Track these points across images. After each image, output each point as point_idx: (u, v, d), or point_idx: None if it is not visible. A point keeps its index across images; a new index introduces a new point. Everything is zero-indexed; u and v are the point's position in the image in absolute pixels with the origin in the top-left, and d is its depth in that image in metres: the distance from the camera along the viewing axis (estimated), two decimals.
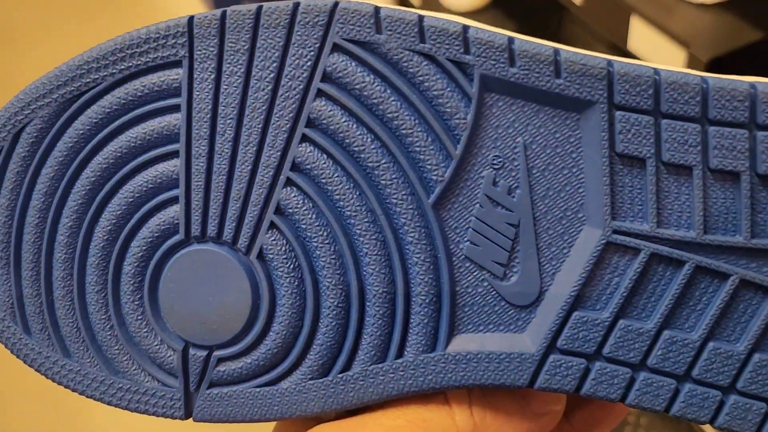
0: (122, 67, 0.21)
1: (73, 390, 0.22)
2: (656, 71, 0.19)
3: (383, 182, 0.20)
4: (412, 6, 0.81)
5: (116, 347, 0.22)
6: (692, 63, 0.49)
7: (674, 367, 0.19)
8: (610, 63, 0.19)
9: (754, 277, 0.19)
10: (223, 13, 0.20)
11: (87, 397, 0.22)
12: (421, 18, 0.19)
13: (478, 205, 0.20)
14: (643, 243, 0.19)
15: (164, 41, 0.20)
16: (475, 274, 0.20)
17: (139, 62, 0.21)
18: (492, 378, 0.20)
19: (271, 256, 0.21)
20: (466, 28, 0.19)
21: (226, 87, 0.20)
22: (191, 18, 0.20)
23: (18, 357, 0.23)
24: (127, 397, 0.22)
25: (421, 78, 0.20)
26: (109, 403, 0.22)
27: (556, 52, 0.19)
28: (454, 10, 0.72)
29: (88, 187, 0.21)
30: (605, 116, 0.19)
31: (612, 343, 0.20)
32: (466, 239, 0.20)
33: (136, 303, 0.22)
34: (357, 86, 0.20)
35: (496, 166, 0.20)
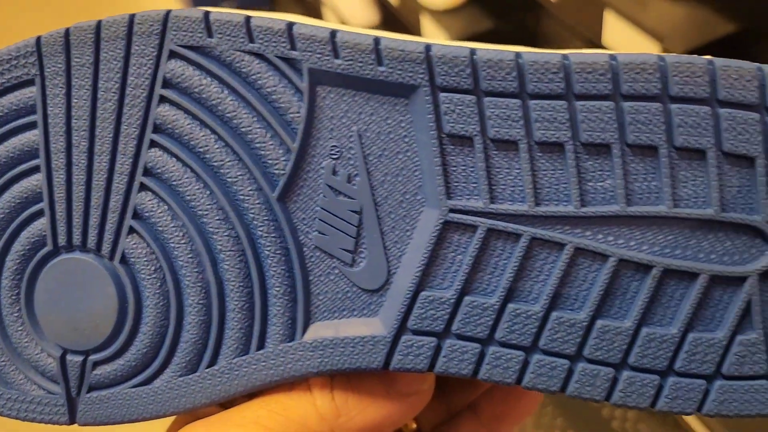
0: None
1: None
2: (472, 51, 0.19)
3: (230, 180, 0.21)
4: (387, 0, 0.82)
5: (2, 359, 0.23)
6: None
7: (521, 339, 0.20)
8: (428, 47, 0.19)
9: (588, 244, 0.19)
10: (67, 31, 0.21)
11: None
12: (248, 19, 0.20)
13: (321, 195, 0.20)
14: (479, 219, 0.20)
15: (16, 62, 0.21)
16: (326, 262, 0.21)
17: None
18: (348, 362, 0.20)
19: (133, 259, 0.21)
20: (290, 25, 0.20)
21: (76, 101, 0.21)
22: (39, 38, 0.21)
23: None
24: (16, 407, 0.23)
25: (254, 77, 0.20)
26: (0, 414, 0.23)
27: (377, 40, 0.19)
28: (432, 8, 0.72)
29: None
30: (429, 99, 0.19)
31: (459, 319, 0.20)
32: (314, 229, 0.21)
33: (16, 315, 0.22)
34: (196, 89, 0.21)
35: (334, 156, 0.20)
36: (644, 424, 0.59)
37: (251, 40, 0.20)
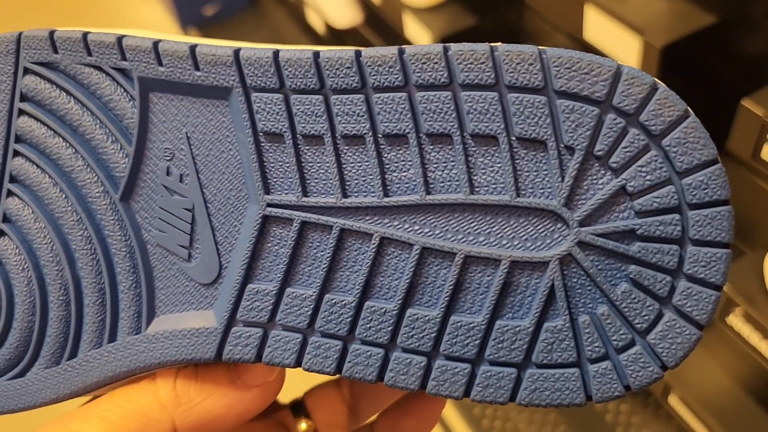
0: None
1: None
2: (275, 52, 0.20)
3: (80, 183, 0.22)
4: (371, 3, 0.82)
5: None
6: (647, 50, 0.49)
7: (338, 329, 0.20)
8: (236, 50, 0.20)
9: (393, 234, 0.20)
10: None
11: None
12: (85, 35, 0.22)
13: (159, 195, 0.22)
14: (294, 213, 0.20)
15: None
16: (167, 258, 0.22)
17: None
18: (185, 354, 0.21)
19: (5, 259, 0.23)
20: (120, 37, 0.21)
21: None
22: None
23: None
24: None
25: (94, 87, 0.22)
26: None
27: (192, 47, 0.21)
28: (415, 6, 0.73)
29: None
30: (243, 99, 0.20)
31: (282, 310, 0.21)
32: (155, 227, 0.22)
33: None
34: (47, 101, 0.22)
35: (167, 158, 0.22)
36: (637, 417, 0.56)
37: (89, 53, 0.22)
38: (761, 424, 0.51)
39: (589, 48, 0.54)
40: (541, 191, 0.19)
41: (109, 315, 0.22)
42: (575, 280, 0.19)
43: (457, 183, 0.19)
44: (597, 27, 0.53)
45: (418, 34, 0.73)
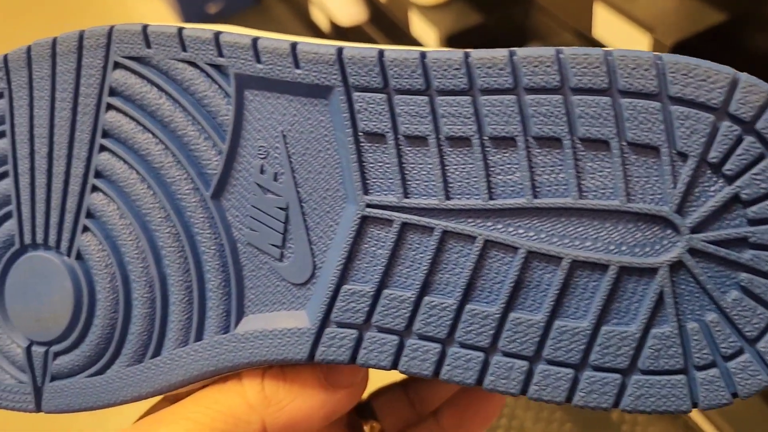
0: None
1: None
2: (380, 51, 0.20)
3: (169, 180, 0.22)
4: (377, 1, 0.82)
5: None
6: (657, 47, 0.48)
7: (437, 331, 0.20)
8: (339, 49, 0.20)
9: (497, 237, 0.20)
10: (29, 47, 0.23)
11: None
12: (180, 30, 0.21)
13: (251, 194, 0.22)
14: (394, 214, 0.20)
15: None
16: (257, 257, 0.22)
17: None
18: (276, 354, 0.21)
19: (87, 255, 0.23)
20: (217, 34, 0.21)
21: (37, 110, 0.23)
22: (6, 55, 0.23)
23: None
24: None
25: (187, 83, 0.22)
26: None
27: (293, 45, 0.20)
28: (420, 4, 0.72)
29: None
30: (344, 98, 0.20)
31: (378, 312, 0.20)
32: (246, 226, 0.22)
33: None
34: (138, 96, 0.22)
35: (262, 156, 0.21)
36: (644, 416, 0.57)
37: (184, 49, 0.21)
38: None
39: (597, 45, 0.54)
40: (652, 197, 0.19)
41: (197, 313, 0.22)
42: (684, 286, 0.19)
43: (564, 187, 0.19)
44: (606, 24, 0.52)
45: (424, 32, 0.73)
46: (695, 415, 0.50)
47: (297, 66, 0.20)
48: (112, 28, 0.22)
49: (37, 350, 0.24)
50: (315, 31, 1.10)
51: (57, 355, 0.24)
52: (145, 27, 0.22)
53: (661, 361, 0.19)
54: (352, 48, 0.20)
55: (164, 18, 1.38)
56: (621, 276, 0.19)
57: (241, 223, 0.22)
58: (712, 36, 0.48)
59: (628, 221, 0.19)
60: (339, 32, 0.99)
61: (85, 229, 0.23)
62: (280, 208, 0.21)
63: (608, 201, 0.19)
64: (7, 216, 0.24)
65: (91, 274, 0.23)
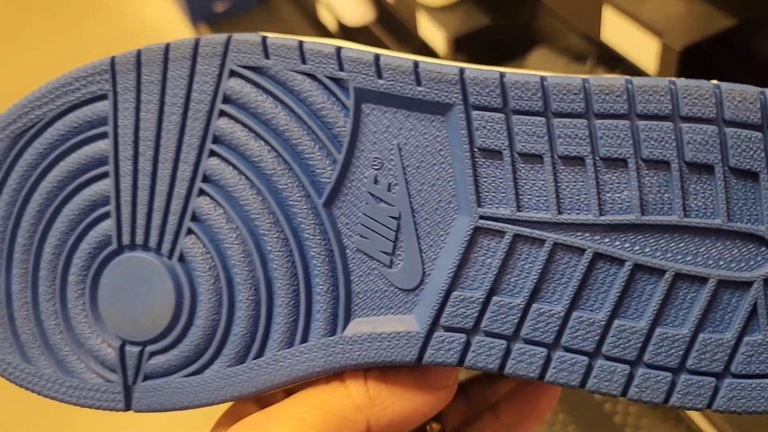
0: (59, 103, 0.24)
1: (31, 391, 0.25)
2: (502, 74, 0.21)
3: (280, 187, 0.23)
4: (385, 2, 0.83)
5: (66, 349, 0.25)
6: (665, 51, 0.49)
7: (544, 336, 0.22)
8: (462, 70, 0.21)
9: (606, 250, 0.21)
10: (139, 52, 0.23)
11: (43, 396, 0.25)
12: (301, 43, 0.22)
13: (364, 202, 0.23)
14: (507, 226, 0.22)
15: (91, 78, 0.24)
16: (366, 263, 0.23)
17: (72, 98, 0.24)
18: (384, 356, 0.22)
19: (190, 258, 0.24)
20: (338, 48, 0.22)
21: (144, 113, 0.23)
22: (113, 57, 0.24)
23: None
24: (76, 393, 0.25)
25: (305, 94, 0.23)
26: (61, 401, 0.25)
27: (416, 63, 0.22)
28: (428, 5, 0.73)
29: (36, 209, 0.25)
30: (463, 116, 0.22)
31: (487, 318, 0.22)
32: (356, 233, 0.23)
33: (80, 308, 0.25)
34: (252, 105, 0.23)
35: (376, 167, 0.23)
36: (647, 419, 0.59)
37: (303, 62, 0.22)
38: None
39: (605, 48, 0.56)
40: (749, 217, 0.21)
41: (303, 316, 0.23)
42: None
43: (670, 206, 0.21)
44: (615, 28, 0.53)
45: (432, 33, 0.73)
46: (698, 418, 0.53)
47: (419, 83, 0.22)
48: (230, 37, 0.23)
49: (131, 350, 0.24)
50: (322, 31, 1.10)
51: (152, 354, 0.24)
52: (264, 38, 0.23)
53: (752, 366, 0.21)
54: (474, 69, 0.21)
55: (172, 17, 1.38)
56: (719, 288, 0.21)
57: (351, 230, 0.23)
58: (721, 40, 0.49)
59: (726, 238, 0.21)
60: (346, 32, 0.99)
61: (189, 231, 0.24)
62: (392, 217, 0.22)
63: (711, 220, 0.21)
64: (104, 216, 0.24)
65: (193, 276, 0.24)
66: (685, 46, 0.48)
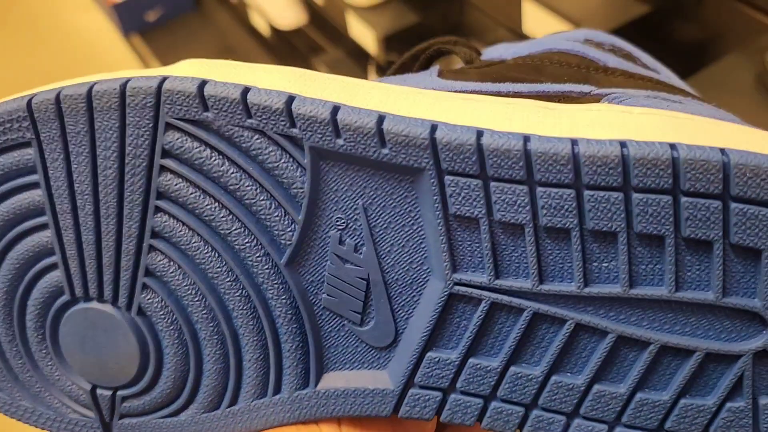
0: None
1: (11, 416, 0.25)
2: (478, 136, 0.18)
3: (237, 246, 0.21)
4: (312, 0, 0.81)
5: (37, 386, 0.24)
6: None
7: (522, 398, 0.21)
8: (432, 129, 0.18)
9: (589, 321, 0.20)
10: (57, 98, 0.20)
11: (23, 423, 0.25)
12: (244, 95, 0.19)
13: (329, 262, 0.21)
14: (484, 293, 0.20)
15: (9, 125, 0.21)
16: (336, 320, 0.22)
17: None
18: (358, 410, 0.22)
19: (149, 312, 0.22)
20: (289, 101, 0.19)
21: (76, 166, 0.21)
22: (29, 102, 0.20)
23: None
24: (55, 425, 0.25)
25: (255, 151, 0.20)
26: (42, 428, 0.25)
27: (379, 121, 0.19)
28: (357, 5, 0.73)
29: None
30: (435, 181, 0.19)
31: (463, 378, 0.21)
32: (323, 292, 0.21)
33: (44, 351, 0.24)
34: (196, 161, 0.20)
35: (340, 227, 0.20)
36: None
37: (249, 116, 0.19)
38: None
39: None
40: (744, 291, 0.19)
41: (273, 370, 0.22)
42: (764, 368, 0.20)
43: (660, 277, 0.19)
44: (535, 20, 0.53)
45: (362, 33, 0.73)
46: None
47: (383, 145, 0.19)
48: (160, 86, 0.19)
49: (103, 393, 0.24)
50: (255, 36, 1.10)
51: (125, 398, 0.24)
52: (201, 87, 0.19)
53: (731, 430, 0.20)
54: (446, 130, 0.18)
55: (102, 28, 1.31)
56: (705, 360, 0.20)
57: (317, 289, 0.21)
58: (637, 27, 0.50)
59: (718, 312, 0.19)
60: (280, 36, 1.00)
61: (145, 286, 0.22)
62: (361, 278, 0.21)
63: (704, 294, 0.19)
64: (52, 267, 0.22)
65: (156, 329, 0.22)
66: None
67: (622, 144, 0.18)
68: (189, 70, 0.20)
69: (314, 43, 0.94)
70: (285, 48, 1.09)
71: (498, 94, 0.23)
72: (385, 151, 0.19)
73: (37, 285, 0.23)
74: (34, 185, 0.21)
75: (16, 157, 0.21)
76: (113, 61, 1.28)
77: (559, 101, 0.22)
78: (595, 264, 0.19)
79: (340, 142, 0.19)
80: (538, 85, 0.24)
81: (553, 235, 0.19)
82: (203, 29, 1.24)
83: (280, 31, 1.00)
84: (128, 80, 0.20)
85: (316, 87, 0.19)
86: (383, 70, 0.84)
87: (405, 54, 0.29)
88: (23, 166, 0.21)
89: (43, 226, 0.22)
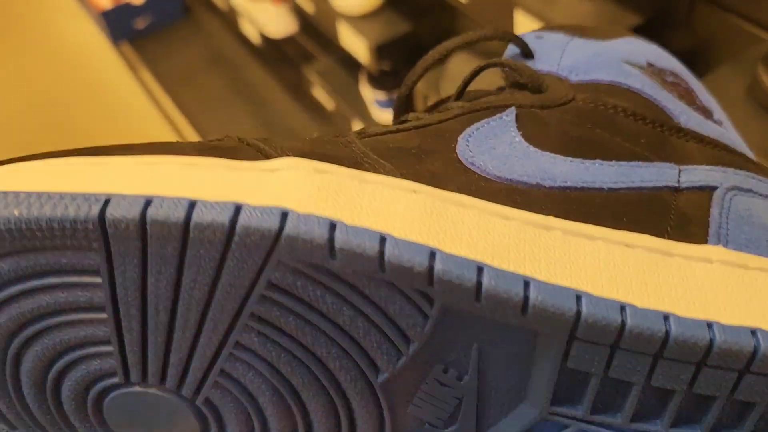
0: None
1: None
2: (623, 320, 0.18)
3: (332, 365, 0.20)
4: (303, 9, 0.78)
5: None
6: None
7: None
8: (579, 302, 0.17)
9: None
10: (143, 218, 0.16)
11: None
12: (381, 247, 0.17)
13: (425, 382, 0.20)
14: (575, 422, 0.21)
15: (72, 232, 0.17)
16: (417, 422, 0.21)
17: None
18: None
19: (217, 403, 0.21)
20: (431, 267, 0.17)
21: (154, 280, 0.18)
22: (102, 216, 0.17)
23: None
24: None
25: (376, 298, 0.18)
26: None
27: (526, 286, 0.17)
28: (348, 14, 0.71)
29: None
30: (563, 344, 0.18)
31: None
32: (411, 402, 0.21)
33: (87, 425, 0.22)
34: (305, 297, 0.18)
35: (448, 361, 0.19)
36: None
37: (383, 271, 0.17)
38: None
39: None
40: None
41: None
42: None
43: None
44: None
45: (353, 42, 0.72)
46: None
47: (524, 313, 0.18)
48: (280, 231, 0.16)
49: None
50: (245, 44, 1.10)
51: None
52: (332, 235, 0.16)
53: None
54: (592, 311, 0.18)
55: (92, 37, 1.30)
56: None
57: (405, 399, 0.21)
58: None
59: None
60: (270, 44, 1.00)
61: (217, 384, 0.20)
62: (455, 398, 0.20)
63: None
64: (96, 355, 0.20)
65: (221, 417, 0.21)
66: None
67: (753, 332, 0.18)
68: (303, 187, 0.17)
69: (305, 51, 0.94)
70: (275, 56, 1.06)
71: (583, 189, 0.21)
72: (527, 320, 0.18)
73: (77, 368, 0.20)
74: (91, 285, 0.18)
75: (71, 257, 0.18)
76: (102, 69, 1.27)
77: (648, 204, 0.21)
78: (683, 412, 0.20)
79: (478, 305, 0.18)
80: (628, 170, 0.22)
81: (656, 392, 0.20)
82: (193, 37, 1.24)
83: (271, 39, 1.00)
84: (237, 214, 0.16)
85: (455, 237, 0.17)
86: (375, 79, 0.81)
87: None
88: (81, 269, 0.18)
89: (98, 321, 0.19)
